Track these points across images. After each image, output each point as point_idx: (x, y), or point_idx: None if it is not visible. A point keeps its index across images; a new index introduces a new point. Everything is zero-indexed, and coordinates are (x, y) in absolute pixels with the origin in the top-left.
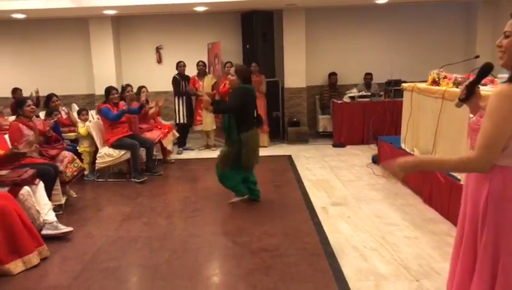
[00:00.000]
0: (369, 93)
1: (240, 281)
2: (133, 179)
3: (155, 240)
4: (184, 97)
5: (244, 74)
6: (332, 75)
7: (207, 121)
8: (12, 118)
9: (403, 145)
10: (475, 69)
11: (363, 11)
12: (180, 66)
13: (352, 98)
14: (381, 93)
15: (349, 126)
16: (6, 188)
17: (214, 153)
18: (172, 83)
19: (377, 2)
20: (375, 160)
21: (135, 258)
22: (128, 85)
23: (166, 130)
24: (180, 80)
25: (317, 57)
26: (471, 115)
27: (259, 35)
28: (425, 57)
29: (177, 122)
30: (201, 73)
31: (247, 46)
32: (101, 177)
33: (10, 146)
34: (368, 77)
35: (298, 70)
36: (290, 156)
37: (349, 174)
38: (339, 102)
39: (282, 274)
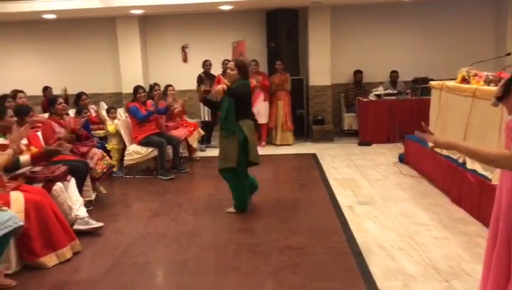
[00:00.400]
0: (396, 91)
1: (267, 278)
2: (160, 176)
3: (183, 236)
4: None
5: (245, 68)
6: (358, 73)
7: None
8: (44, 115)
9: (430, 145)
10: (508, 66)
11: (389, 8)
12: (207, 64)
13: (378, 96)
14: (408, 91)
15: (375, 124)
16: (40, 184)
17: None
18: (197, 81)
19: None
20: (402, 159)
21: (164, 253)
22: (155, 84)
23: (192, 128)
24: (205, 78)
25: (342, 55)
26: (508, 115)
27: (284, 33)
28: (453, 54)
29: (202, 120)
30: (226, 71)
31: (272, 44)
32: (129, 174)
33: (43, 142)
34: (394, 74)
35: (323, 68)
36: (314, 155)
37: (376, 173)
38: (365, 100)
39: (309, 272)
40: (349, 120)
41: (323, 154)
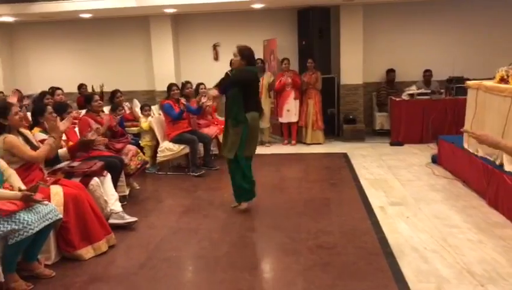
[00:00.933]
0: (429, 91)
1: (298, 276)
2: (191, 173)
3: (214, 232)
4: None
5: (248, 54)
6: (390, 72)
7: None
8: (80, 111)
9: (465, 146)
10: None
11: (423, 5)
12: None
13: (411, 95)
14: (442, 90)
15: (408, 124)
16: (78, 179)
17: (268, 150)
18: (224, 79)
19: None
20: (435, 160)
21: (196, 249)
22: (187, 82)
23: (223, 126)
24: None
25: (374, 53)
26: None
27: (316, 31)
28: (489, 53)
29: None
30: (260, 70)
31: (303, 42)
32: (161, 171)
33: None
34: (427, 73)
35: (355, 66)
36: (345, 154)
37: (408, 174)
38: (397, 99)
39: (340, 271)
40: (381, 120)
41: (354, 154)
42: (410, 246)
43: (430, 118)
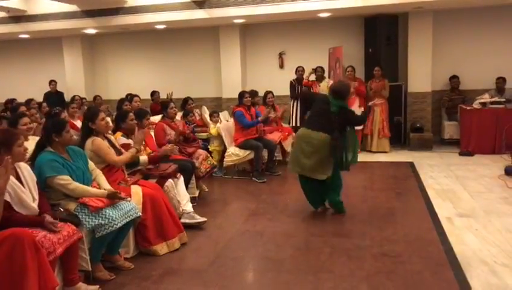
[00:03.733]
0: (503, 99)
1: (362, 282)
2: (254, 179)
3: (279, 236)
4: (298, 101)
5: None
6: (453, 78)
7: None
8: (155, 117)
9: None
10: None
11: (496, 11)
12: (299, 71)
13: (483, 104)
14: None
15: (479, 134)
16: (154, 180)
17: None
18: (290, 87)
19: None
20: (509, 171)
21: (262, 251)
22: (256, 92)
23: (287, 133)
24: (296, 84)
25: (443, 61)
26: None
27: (383, 39)
28: None
29: (292, 125)
30: (319, 78)
31: (370, 50)
32: (227, 174)
33: (155, 142)
34: (500, 81)
35: (423, 74)
36: (412, 163)
37: (478, 185)
38: (468, 108)
39: (405, 280)
40: (450, 128)
41: (421, 163)
42: (479, 259)
43: (504, 127)
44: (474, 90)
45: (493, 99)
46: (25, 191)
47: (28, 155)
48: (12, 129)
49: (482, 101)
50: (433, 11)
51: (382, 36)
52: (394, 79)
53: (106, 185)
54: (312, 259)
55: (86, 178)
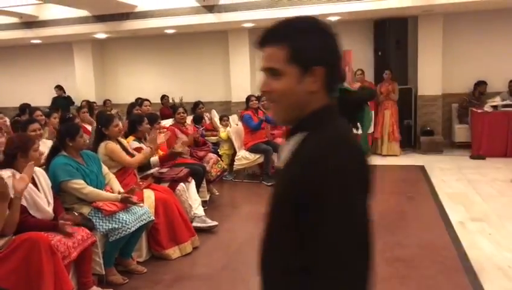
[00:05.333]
0: None
1: (375, 287)
2: (263, 182)
3: None
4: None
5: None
6: (480, 84)
7: None
8: (167, 121)
9: None
10: None
11: (507, 14)
12: None
13: (494, 107)
14: None
15: (491, 137)
16: (167, 184)
17: None
18: None
19: None
20: None
21: None
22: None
23: None
24: None
25: (454, 64)
26: None
27: (392, 42)
28: None
29: None
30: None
31: (379, 53)
32: (237, 178)
33: (166, 146)
34: None
35: (433, 77)
36: (422, 167)
37: (490, 189)
38: (479, 111)
39: (418, 285)
40: (461, 132)
41: (432, 167)
42: (493, 264)
43: None
44: (485, 93)
45: (505, 102)
46: (41, 196)
47: (42, 160)
48: (28, 134)
49: (494, 104)
50: (443, 14)
51: (392, 39)
52: (404, 82)
53: (120, 189)
54: None
55: (99, 182)
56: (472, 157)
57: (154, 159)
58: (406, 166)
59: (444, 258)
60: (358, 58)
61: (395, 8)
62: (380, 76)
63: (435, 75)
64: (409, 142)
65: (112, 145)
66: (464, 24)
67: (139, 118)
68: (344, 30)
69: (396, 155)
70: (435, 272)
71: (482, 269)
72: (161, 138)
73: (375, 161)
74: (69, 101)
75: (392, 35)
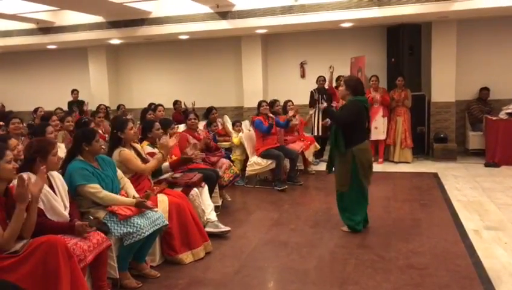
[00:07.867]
0: None
1: None
2: (275, 187)
3: (303, 246)
4: (319, 111)
5: (354, 85)
6: (484, 90)
7: None
8: (179, 126)
9: None
10: None
11: None
12: (320, 80)
13: (509, 114)
14: None
15: (506, 145)
16: (180, 189)
17: None
18: (310, 97)
19: None
20: None
21: (286, 261)
22: (276, 100)
23: (309, 142)
24: (316, 93)
25: (468, 70)
26: None
27: (406, 48)
28: None
29: (313, 134)
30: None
31: (392, 59)
32: (249, 184)
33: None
34: None
35: (447, 84)
36: (436, 174)
37: (506, 197)
38: (494, 118)
39: None
40: (475, 139)
41: (446, 174)
42: (509, 273)
43: None
44: (499, 100)
45: None
46: (57, 199)
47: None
48: (48, 138)
49: (509, 111)
50: (457, 20)
51: (405, 46)
52: (417, 89)
53: (134, 194)
54: (337, 270)
55: (114, 186)
56: (486, 165)
57: (165, 164)
58: (419, 173)
59: (459, 267)
60: (371, 65)
61: (408, 14)
62: (393, 82)
63: (448, 81)
64: (422, 149)
65: (126, 152)
66: (478, 30)
67: (149, 123)
68: (356, 36)
69: (408, 162)
70: (450, 280)
71: (498, 278)
72: (172, 140)
73: (387, 167)
74: (82, 105)
75: (406, 42)
